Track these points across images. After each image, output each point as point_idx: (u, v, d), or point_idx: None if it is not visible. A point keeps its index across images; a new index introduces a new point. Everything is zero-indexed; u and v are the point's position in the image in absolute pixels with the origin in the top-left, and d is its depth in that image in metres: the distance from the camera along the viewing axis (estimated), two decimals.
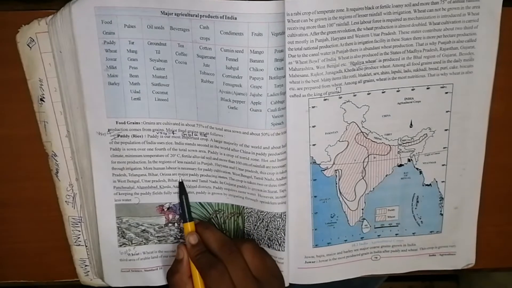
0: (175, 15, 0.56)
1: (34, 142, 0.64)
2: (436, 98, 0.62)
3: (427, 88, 0.62)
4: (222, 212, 0.65)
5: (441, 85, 0.62)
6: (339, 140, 0.63)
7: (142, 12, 0.56)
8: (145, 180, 0.64)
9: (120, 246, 0.66)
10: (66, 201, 0.66)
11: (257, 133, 0.59)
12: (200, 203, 0.65)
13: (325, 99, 0.60)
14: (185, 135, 0.62)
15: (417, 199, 0.67)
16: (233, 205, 0.65)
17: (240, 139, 0.60)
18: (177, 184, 0.64)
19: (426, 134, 0.64)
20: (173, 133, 0.62)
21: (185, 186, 0.64)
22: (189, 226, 0.64)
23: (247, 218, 0.65)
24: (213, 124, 0.60)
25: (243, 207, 0.64)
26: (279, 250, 0.65)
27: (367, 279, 0.71)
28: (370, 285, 0.84)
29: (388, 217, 0.67)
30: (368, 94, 0.61)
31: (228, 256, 0.61)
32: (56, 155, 0.64)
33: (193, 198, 0.65)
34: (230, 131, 0.60)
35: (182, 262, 0.63)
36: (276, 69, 0.57)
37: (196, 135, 0.61)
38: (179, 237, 0.67)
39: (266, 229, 0.64)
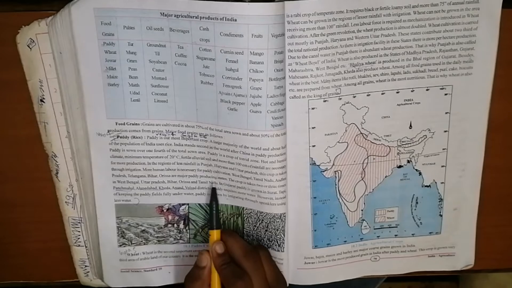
0: (174, 16, 0.56)
1: (34, 143, 0.64)
2: (435, 99, 0.62)
3: (427, 90, 0.62)
4: (221, 213, 0.65)
5: (441, 87, 0.62)
6: (338, 141, 0.63)
7: (142, 13, 0.56)
8: (145, 181, 0.64)
9: (120, 246, 0.66)
10: (66, 202, 0.66)
11: (257, 134, 0.59)
12: (199, 204, 0.65)
13: (324, 101, 0.61)
14: (185, 137, 0.62)
15: (416, 200, 0.67)
16: (232, 206, 0.65)
17: (240, 141, 0.60)
18: (176, 185, 0.64)
19: (426, 135, 0.64)
20: (173, 135, 0.62)
21: (187, 188, 0.64)
22: (215, 234, 0.63)
23: (246, 219, 0.65)
24: (212, 126, 0.60)
25: (243, 208, 0.64)
26: (279, 250, 0.65)
27: (366, 280, 0.71)
28: (369, 286, 0.84)
29: (388, 218, 0.67)
30: (367, 95, 0.61)
31: (252, 265, 0.61)
32: (56, 156, 0.64)
33: (192, 200, 0.65)
34: (230, 133, 0.60)
35: (204, 269, 0.62)
36: (276, 70, 0.57)
37: (196, 136, 0.61)
38: (178, 237, 0.67)
39: (266, 230, 0.64)
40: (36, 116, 0.63)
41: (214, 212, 0.63)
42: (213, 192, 0.64)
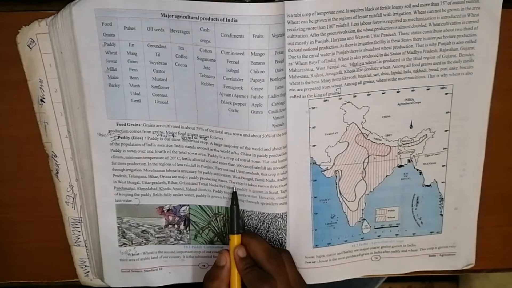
0: (175, 17, 0.56)
1: (34, 143, 0.64)
2: (436, 99, 0.62)
3: (427, 89, 0.62)
4: (221, 216, 0.65)
5: (441, 86, 0.62)
6: (339, 141, 0.63)
7: (142, 14, 0.56)
8: (145, 182, 0.64)
9: (121, 246, 0.66)
10: (66, 202, 0.66)
11: (258, 135, 0.59)
12: (200, 206, 0.65)
13: (325, 100, 0.60)
14: (185, 138, 0.62)
15: (417, 199, 0.67)
16: None
17: (241, 142, 0.60)
18: (176, 186, 0.64)
19: (426, 135, 0.64)
20: (173, 136, 0.62)
21: (188, 190, 0.64)
22: (235, 238, 0.62)
23: (247, 221, 0.64)
24: (213, 127, 0.60)
25: (243, 210, 0.64)
26: None
27: (367, 279, 0.71)
28: (369, 285, 0.84)
29: (388, 217, 0.67)
30: (368, 95, 0.61)
31: (276, 269, 0.60)
32: (56, 156, 0.64)
33: (193, 201, 0.65)
34: (231, 134, 0.60)
35: (223, 269, 0.62)
36: (276, 70, 0.57)
37: (196, 138, 0.61)
38: (178, 238, 0.67)
39: (267, 231, 0.64)
40: (36, 116, 0.62)
41: (234, 216, 0.63)
42: (234, 196, 0.63)
